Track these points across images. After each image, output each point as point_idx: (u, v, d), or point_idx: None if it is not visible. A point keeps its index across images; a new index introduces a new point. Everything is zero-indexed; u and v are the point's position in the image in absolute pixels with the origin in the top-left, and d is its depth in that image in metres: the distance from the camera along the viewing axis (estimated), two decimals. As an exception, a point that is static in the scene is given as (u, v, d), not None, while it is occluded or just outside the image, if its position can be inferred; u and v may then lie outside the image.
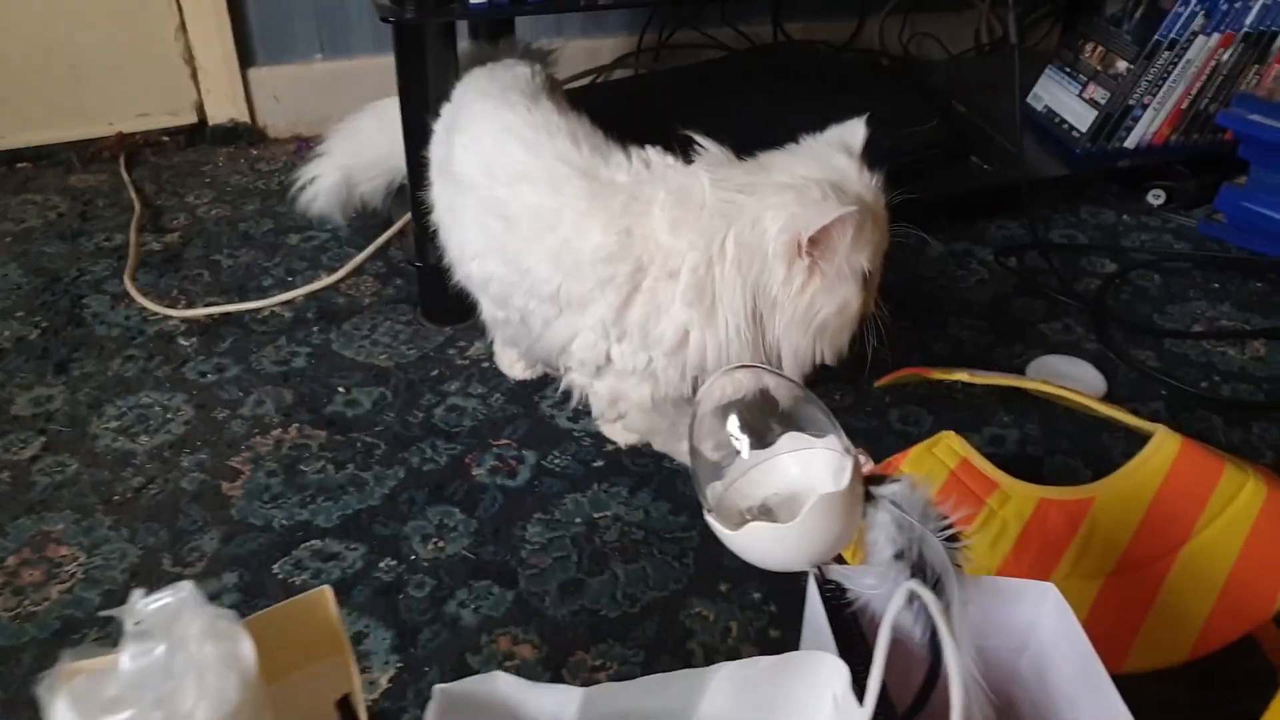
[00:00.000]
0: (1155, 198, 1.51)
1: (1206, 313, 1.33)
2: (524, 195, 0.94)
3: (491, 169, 0.97)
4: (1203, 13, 1.36)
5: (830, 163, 0.90)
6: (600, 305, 0.90)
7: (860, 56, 1.79)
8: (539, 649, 0.88)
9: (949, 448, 0.98)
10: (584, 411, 1.08)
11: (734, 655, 0.88)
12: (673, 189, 0.89)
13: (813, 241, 0.83)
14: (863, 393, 1.18)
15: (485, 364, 1.20)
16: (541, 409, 1.14)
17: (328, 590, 0.51)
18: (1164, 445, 0.95)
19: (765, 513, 0.60)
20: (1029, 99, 1.56)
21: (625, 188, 0.92)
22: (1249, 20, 1.39)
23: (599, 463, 1.07)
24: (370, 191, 1.27)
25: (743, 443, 0.59)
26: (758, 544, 0.57)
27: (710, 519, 0.59)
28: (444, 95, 1.11)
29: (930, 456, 0.97)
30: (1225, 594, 0.88)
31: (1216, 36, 1.39)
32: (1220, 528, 0.91)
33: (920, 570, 0.59)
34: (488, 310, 1.08)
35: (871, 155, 0.92)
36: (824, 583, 0.61)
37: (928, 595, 0.50)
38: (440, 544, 0.97)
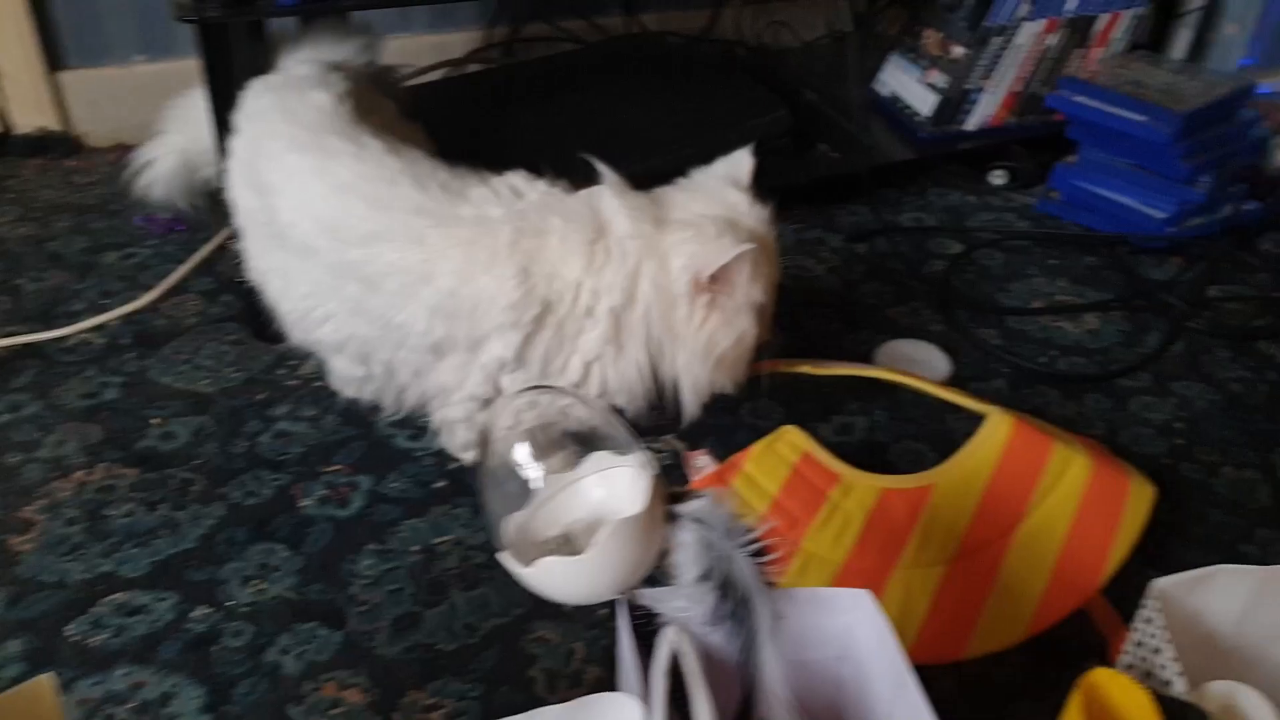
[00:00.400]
0: (997, 177, 1.54)
1: (1045, 289, 1.36)
2: (383, 255, 0.87)
3: (336, 231, 0.89)
4: (1027, 0, 1.38)
5: (723, 198, 0.91)
6: (497, 345, 0.88)
7: (715, 47, 1.77)
8: (368, 692, 0.82)
9: (790, 442, 0.96)
10: (428, 428, 1.02)
11: (578, 679, 0.84)
12: (569, 218, 0.87)
13: (713, 279, 0.85)
14: (714, 390, 1.16)
15: (318, 383, 1.13)
16: (378, 429, 1.08)
17: (47, 680, 0.45)
18: (997, 427, 0.96)
19: (567, 541, 0.57)
20: (876, 84, 1.57)
21: (504, 221, 0.87)
22: (1069, 6, 1.42)
23: (440, 483, 1.02)
24: (215, 176, 1.14)
25: (533, 471, 0.54)
26: (554, 580, 0.54)
27: (502, 558, 0.54)
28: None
29: (772, 453, 0.96)
30: (1058, 570, 0.90)
31: (1042, 22, 1.42)
32: (1051, 506, 0.92)
33: (727, 589, 0.56)
34: (341, 368, 0.99)
35: (761, 188, 0.93)
36: (633, 609, 0.58)
37: (684, 646, 0.47)
38: (261, 586, 0.90)
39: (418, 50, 1.62)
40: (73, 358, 1.15)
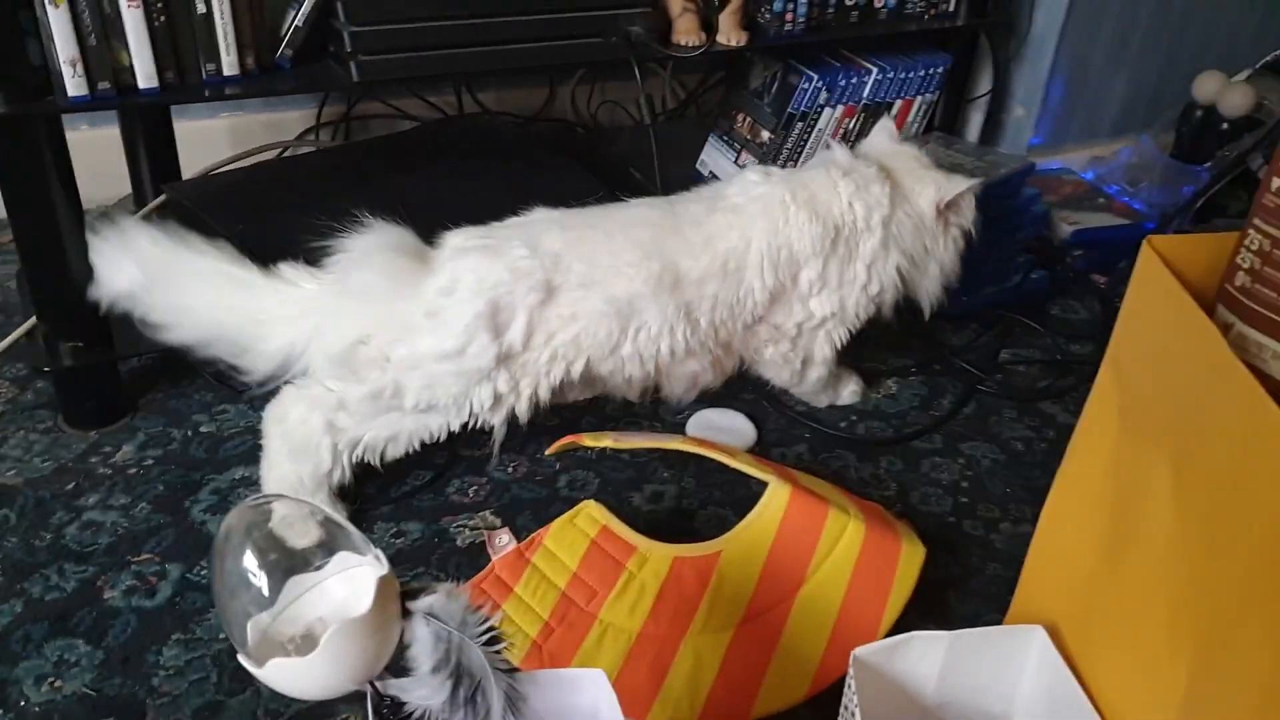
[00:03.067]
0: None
1: (850, 355, 1.45)
2: (715, 249, 1.12)
3: (678, 262, 1.11)
4: (824, 88, 1.51)
5: (909, 153, 1.26)
6: (808, 272, 1.16)
7: (550, 127, 1.85)
8: (162, 785, 0.83)
9: (590, 517, 1.01)
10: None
11: (374, 759, 0.86)
12: (818, 169, 1.19)
13: (949, 206, 1.21)
14: (534, 461, 1.21)
15: (132, 470, 1.13)
16: (192, 515, 1.09)
17: None
18: (776, 495, 1.03)
19: (309, 639, 0.60)
20: (698, 164, 1.66)
21: (774, 189, 1.16)
22: (865, 93, 1.55)
23: (254, 566, 1.03)
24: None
25: (260, 579, 0.58)
26: (286, 678, 0.57)
27: (241, 658, 0.57)
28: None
29: (572, 528, 1.01)
30: (836, 631, 0.96)
31: (840, 108, 1.55)
32: (828, 569, 0.99)
33: (461, 678, 0.60)
34: (682, 368, 1.16)
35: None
36: (380, 699, 0.62)
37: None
38: (57, 684, 0.90)
39: (249, 130, 1.64)
40: None
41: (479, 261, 1.03)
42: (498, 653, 0.62)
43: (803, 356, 1.24)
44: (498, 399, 1.06)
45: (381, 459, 1.06)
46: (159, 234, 1.03)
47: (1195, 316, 0.62)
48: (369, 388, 1.02)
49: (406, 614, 0.60)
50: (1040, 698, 0.71)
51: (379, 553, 0.61)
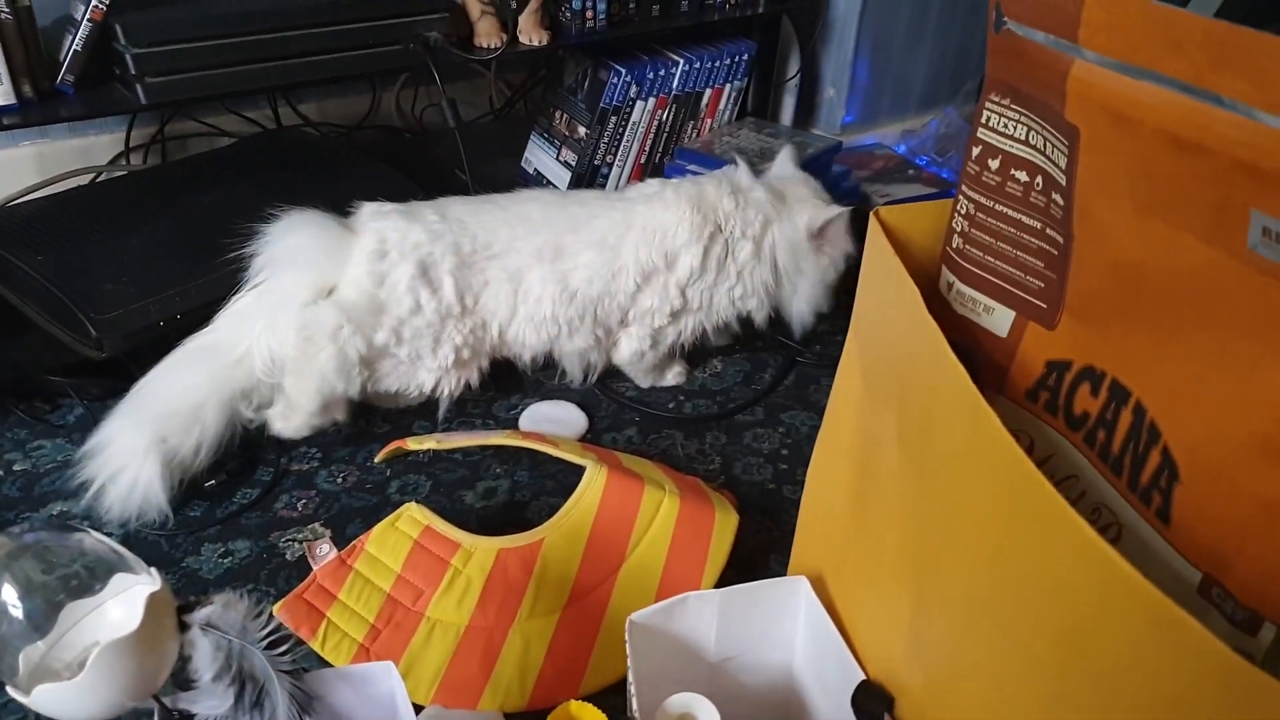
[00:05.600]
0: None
1: (681, 338, 1.52)
2: (597, 226, 1.24)
3: (567, 235, 1.24)
4: (634, 82, 1.56)
5: (804, 180, 1.37)
6: (687, 258, 1.25)
7: (375, 134, 1.85)
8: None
9: (411, 519, 1.04)
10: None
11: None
12: (714, 181, 1.30)
13: (821, 231, 1.30)
14: (364, 469, 1.22)
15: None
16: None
17: None
18: (594, 479, 1.07)
19: (84, 665, 0.61)
20: (523, 162, 1.70)
21: (664, 188, 1.28)
22: (674, 85, 1.62)
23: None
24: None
25: (20, 609, 0.59)
26: (55, 704, 0.58)
27: (9, 689, 0.58)
28: None
29: (394, 531, 1.03)
30: (658, 602, 1.02)
31: (652, 101, 1.61)
32: (646, 545, 1.04)
33: (245, 683, 0.62)
34: (571, 345, 1.28)
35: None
36: (167, 713, 0.63)
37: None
38: None
39: (57, 157, 1.59)
40: None
41: (399, 222, 1.15)
42: (281, 655, 0.64)
43: (652, 340, 1.32)
44: (459, 360, 1.21)
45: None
46: (120, 407, 1.09)
47: (901, 277, 0.69)
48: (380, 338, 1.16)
49: (185, 627, 0.62)
50: (812, 642, 0.77)
51: (153, 571, 0.62)
